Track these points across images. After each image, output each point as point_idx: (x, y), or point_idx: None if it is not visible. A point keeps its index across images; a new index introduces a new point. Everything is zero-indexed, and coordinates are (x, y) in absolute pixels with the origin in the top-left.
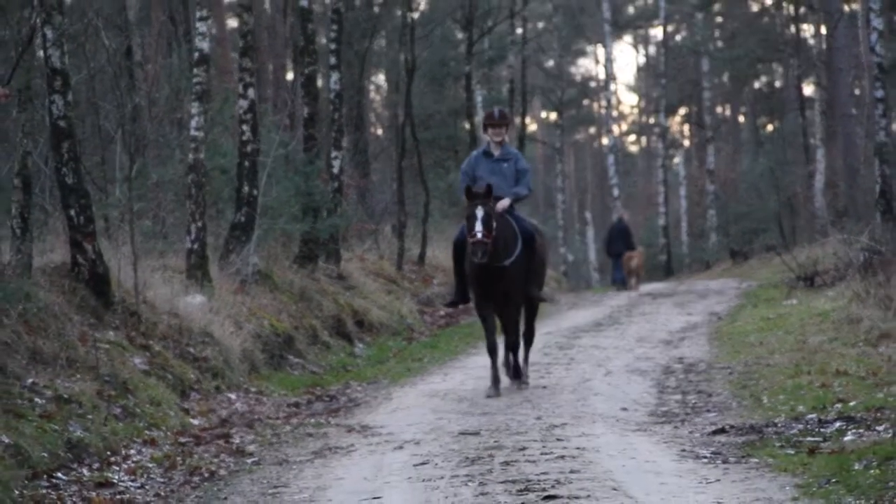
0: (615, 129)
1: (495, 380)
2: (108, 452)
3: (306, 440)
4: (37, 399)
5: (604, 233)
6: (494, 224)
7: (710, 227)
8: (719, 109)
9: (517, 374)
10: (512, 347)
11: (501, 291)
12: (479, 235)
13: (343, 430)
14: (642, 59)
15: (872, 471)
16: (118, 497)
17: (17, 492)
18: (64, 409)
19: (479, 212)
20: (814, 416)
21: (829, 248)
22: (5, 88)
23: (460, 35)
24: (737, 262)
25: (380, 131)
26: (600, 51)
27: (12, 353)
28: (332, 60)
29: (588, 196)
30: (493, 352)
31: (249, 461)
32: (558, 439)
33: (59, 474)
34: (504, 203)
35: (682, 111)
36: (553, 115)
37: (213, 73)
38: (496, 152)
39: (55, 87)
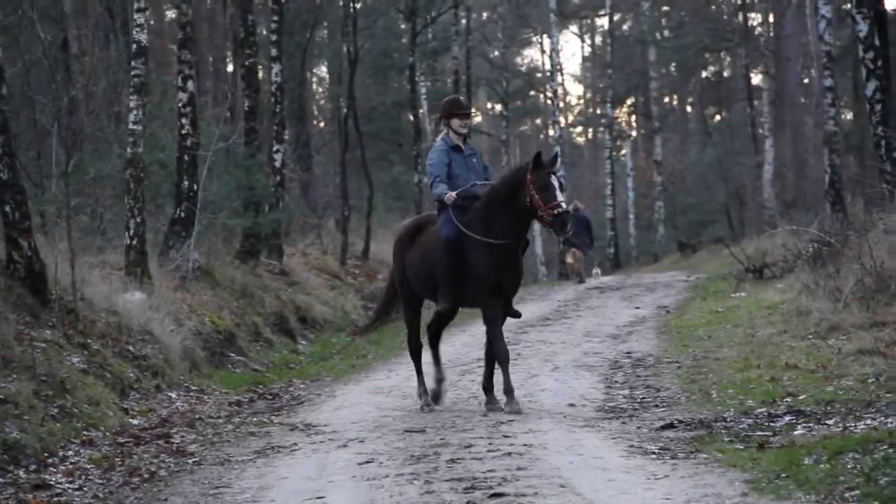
0: (561, 120)
1: (503, 388)
2: (46, 454)
3: (248, 439)
4: None
5: None
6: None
7: (657, 220)
8: (666, 100)
9: (510, 395)
10: (505, 360)
11: (514, 282)
12: (565, 205)
13: (286, 428)
14: (588, 50)
15: (822, 465)
16: (55, 499)
17: None
18: None
19: (555, 181)
20: (763, 410)
21: (778, 239)
22: None
23: (404, 25)
24: (685, 255)
25: (322, 124)
26: (546, 41)
27: None
28: (273, 52)
29: None
30: (506, 357)
31: (190, 461)
32: (505, 436)
33: None
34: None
35: (629, 102)
36: (499, 107)
37: (152, 65)
38: (462, 146)
39: None
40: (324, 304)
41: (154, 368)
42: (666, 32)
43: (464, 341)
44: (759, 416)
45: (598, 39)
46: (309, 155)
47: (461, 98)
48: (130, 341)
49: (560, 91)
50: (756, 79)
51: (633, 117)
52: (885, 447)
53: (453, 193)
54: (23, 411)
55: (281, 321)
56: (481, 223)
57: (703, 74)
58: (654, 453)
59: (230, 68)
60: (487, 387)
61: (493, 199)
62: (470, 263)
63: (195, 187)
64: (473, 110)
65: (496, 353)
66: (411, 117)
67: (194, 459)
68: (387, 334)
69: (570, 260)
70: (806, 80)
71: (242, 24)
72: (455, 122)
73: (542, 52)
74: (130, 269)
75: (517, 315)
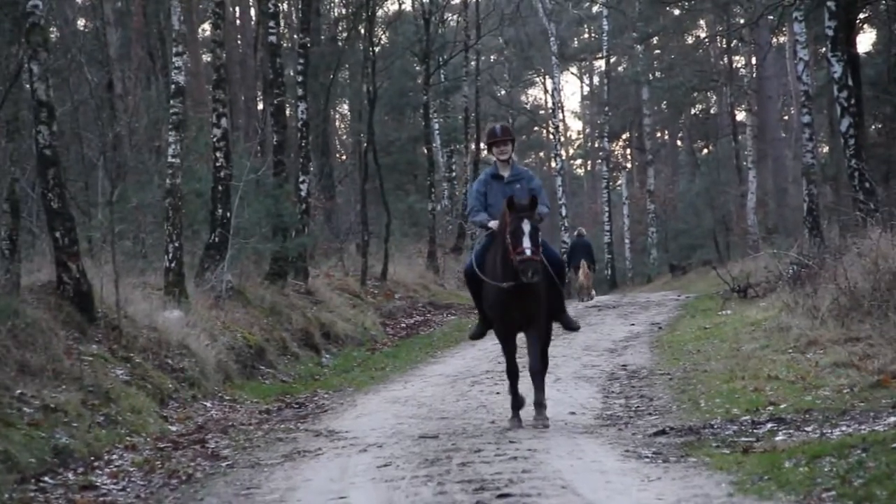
0: (563, 153)
1: (516, 406)
2: (92, 457)
3: (277, 444)
4: (25, 408)
5: (566, 248)
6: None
7: (650, 244)
8: (658, 135)
9: (539, 408)
10: (537, 373)
11: (523, 314)
12: (528, 252)
13: (311, 434)
14: (587, 89)
15: (802, 468)
16: (101, 499)
17: (6, 495)
18: (50, 417)
19: (527, 226)
20: (747, 417)
21: (761, 262)
22: None
23: (418, 67)
24: (676, 276)
25: (344, 157)
26: (548, 81)
27: (2, 365)
28: (300, 91)
29: None
30: (514, 377)
31: (224, 464)
32: (511, 441)
33: (46, 478)
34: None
35: (625, 136)
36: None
37: (189, 104)
38: (505, 173)
39: (41, 119)
40: (346, 321)
41: (191, 380)
42: (658, 73)
43: (473, 355)
44: (743, 424)
45: (595, 80)
46: (332, 185)
47: (497, 126)
48: (169, 355)
49: (561, 126)
50: (740, 115)
51: (628, 150)
52: (859, 452)
53: (494, 223)
54: (71, 419)
55: (306, 336)
56: (491, 263)
57: (692, 111)
58: (647, 457)
59: (260, 106)
60: (536, 402)
61: (495, 241)
62: (483, 294)
63: (228, 215)
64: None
65: (507, 369)
66: (425, 150)
67: (227, 463)
68: (403, 349)
69: (581, 279)
70: (786, 117)
71: (271, 66)
72: (494, 151)
73: (545, 91)
74: (169, 290)
75: (572, 325)
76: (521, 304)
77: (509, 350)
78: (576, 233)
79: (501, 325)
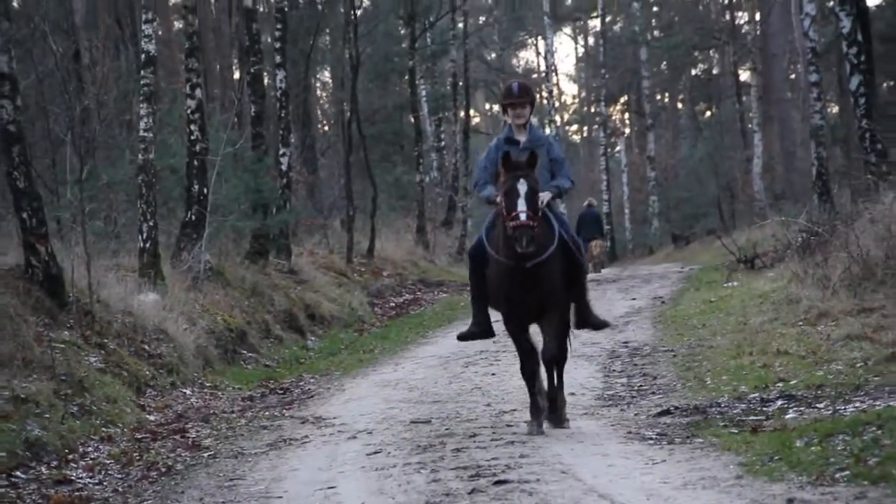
0: (557, 119)
1: (535, 410)
2: (66, 450)
3: (261, 433)
4: None
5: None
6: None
7: (652, 213)
8: (658, 97)
9: (554, 408)
10: (553, 362)
11: (537, 299)
12: (524, 217)
13: (297, 421)
14: (582, 50)
15: (814, 447)
16: (77, 494)
17: None
18: (21, 408)
19: (522, 186)
20: (756, 395)
21: (768, 230)
22: None
23: (403, 31)
24: (679, 247)
25: (326, 128)
26: (541, 43)
27: None
28: (278, 59)
29: None
30: (531, 378)
31: (205, 455)
32: (508, 425)
33: (18, 473)
34: (545, 197)
35: (622, 100)
36: (496, 107)
37: (161, 74)
38: (521, 137)
39: (3, 92)
40: (331, 301)
41: (169, 366)
42: (656, 32)
43: None
44: (751, 401)
45: (590, 40)
46: (314, 158)
47: (514, 84)
48: (145, 341)
49: (555, 91)
50: (744, 75)
51: (627, 115)
52: (874, 429)
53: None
54: (43, 410)
55: (290, 318)
56: (496, 236)
57: (693, 72)
58: (651, 439)
59: (236, 76)
60: (550, 397)
61: (497, 212)
62: (487, 276)
63: (205, 191)
64: (472, 111)
65: (521, 368)
66: (412, 119)
67: (209, 453)
68: (392, 330)
69: (595, 251)
70: (792, 76)
71: (247, 32)
72: (510, 113)
73: (538, 53)
74: (144, 272)
75: (600, 323)
76: (532, 285)
77: (523, 346)
78: (585, 203)
79: (511, 313)
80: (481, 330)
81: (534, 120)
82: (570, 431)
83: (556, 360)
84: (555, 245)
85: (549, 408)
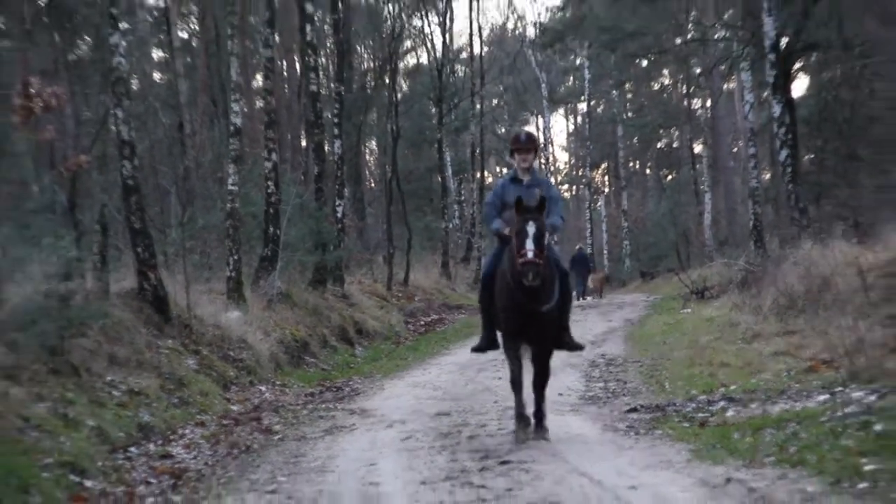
0: (552, 180)
1: (521, 418)
2: (169, 432)
3: (319, 421)
4: (114, 392)
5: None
6: (546, 243)
7: (625, 254)
8: (631, 164)
9: (540, 422)
10: (539, 386)
11: (536, 332)
12: (531, 255)
13: (347, 413)
14: (572, 127)
15: (747, 438)
16: (176, 465)
17: (100, 463)
18: (135, 399)
19: (531, 228)
20: (704, 397)
21: (715, 269)
22: (87, 156)
23: (433, 110)
24: (646, 281)
25: (373, 184)
26: (540, 120)
27: (95, 357)
28: (336, 131)
29: None
30: (518, 387)
31: (276, 437)
32: (510, 418)
33: (132, 449)
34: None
35: (603, 166)
36: (505, 170)
37: (245, 141)
38: (525, 178)
39: (125, 154)
40: (375, 319)
41: (248, 368)
42: (630, 114)
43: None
44: (700, 402)
45: (579, 119)
46: (363, 208)
47: (522, 133)
48: (231, 348)
49: (551, 158)
50: (697, 148)
51: (606, 177)
52: (794, 424)
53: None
54: (152, 400)
55: (342, 332)
56: (507, 270)
57: (658, 145)
58: (622, 430)
59: (304, 143)
60: (536, 413)
61: (508, 247)
62: (495, 299)
63: (278, 233)
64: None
65: (511, 379)
66: (440, 179)
67: (279, 436)
68: (422, 342)
69: (596, 284)
70: (735, 150)
71: (312, 110)
72: (517, 157)
73: (537, 128)
74: (230, 295)
75: (576, 346)
76: (533, 321)
77: (513, 361)
78: (577, 247)
79: (509, 335)
80: (487, 343)
81: (535, 164)
82: (558, 423)
83: (543, 384)
84: (557, 294)
85: (535, 425)
